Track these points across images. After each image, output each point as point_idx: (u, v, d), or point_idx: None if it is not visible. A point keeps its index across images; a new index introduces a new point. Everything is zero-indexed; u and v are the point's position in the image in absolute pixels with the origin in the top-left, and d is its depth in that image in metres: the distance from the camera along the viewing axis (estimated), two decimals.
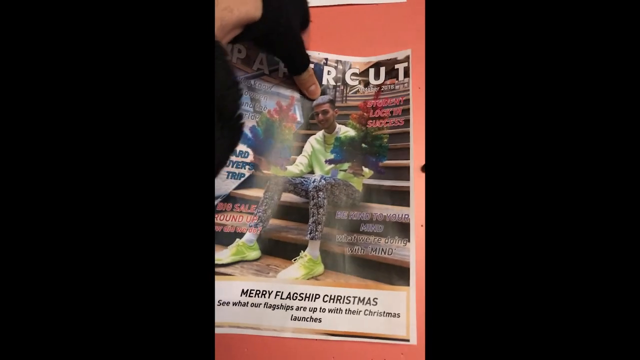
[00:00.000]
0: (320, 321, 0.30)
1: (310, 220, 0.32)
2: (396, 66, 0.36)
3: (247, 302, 0.31)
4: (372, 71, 0.36)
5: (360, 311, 0.30)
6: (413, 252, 0.31)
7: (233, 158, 0.33)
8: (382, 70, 0.36)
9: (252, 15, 0.27)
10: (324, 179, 0.33)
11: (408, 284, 0.30)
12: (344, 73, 0.36)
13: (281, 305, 0.31)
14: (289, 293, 0.31)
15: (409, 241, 0.31)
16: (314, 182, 0.33)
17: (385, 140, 0.34)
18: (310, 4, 0.37)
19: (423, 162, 0.33)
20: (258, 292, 0.31)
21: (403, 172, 0.32)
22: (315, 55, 0.36)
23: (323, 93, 0.36)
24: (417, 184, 0.32)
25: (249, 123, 0.34)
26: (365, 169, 0.33)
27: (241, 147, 0.34)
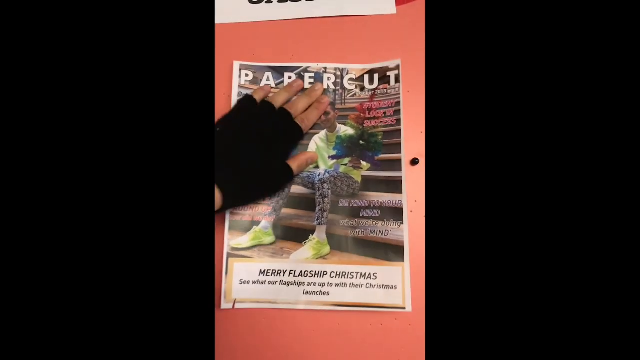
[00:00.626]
0: (329, 294, 0.35)
1: (317, 208, 0.37)
2: (388, 73, 0.40)
3: (265, 281, 0.36)
4: (366, 77, 0.41)
5: (362, 285, 0.35)
6: (406, 233, 0.36)
7: None
8: (376, 76, 0.41)
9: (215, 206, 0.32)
10: (328, 173, 0.38)
11: (403, 260, 0.35)
12: (342, 78, 0.41)
13: (294, 282, 0.36)
14: (301, 271, 0.36)
15: (402, 223, 0.36)
16: (319, 175, 0.38)
17: (380, 137, 0.39)
18: (309, 16, 0.42)
19: (412, 156, 0.38)
20: (274, 271, 0.36)
21: (396, 164, 0.37)
22: (314, 65, 0.41)
23: None
24: (408, 174, 0.37)
25: None
26: (364, 163, 0.38)
27: None
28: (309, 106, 0.40)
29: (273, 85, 0.41)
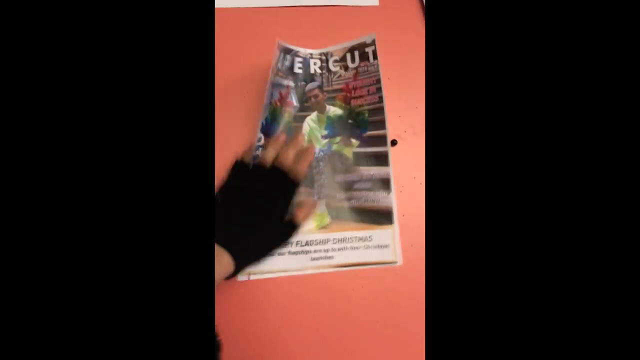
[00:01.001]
0: (333, 258, 0.41)
1: (316, 184, 0.42)
2: (366, 49, 0.43)
3: (275, 252, 0.40)
4: (348, 56, 0.44)
5: (360, 247, 0.41)
6: (393, 199, 0.42)
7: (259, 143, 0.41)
8: (357, 54, 0.44)
9: (228, 271, 0.35)
10: (322, 152, 0.42)
11: (392, 223, 0.41)
12: (327, 62, 0.44)
13: (301, 250, 0.41)
14: (306, 241, 0.41)
15: (390, 192, 0.42)
16: (314, 155, 0.42)
17: (366, 115, 0.43)
18: (297, 4, 0.44)
19: (392, 137, 0.42)
20: None
21: (382, 140, 0.42)
22: (302, 51, 0.43)
23: (312, 80, 0.43)
24: (392, 154, 0.42)
25: (267, 113, 0.41)
26: (353, 140, 0.42)
27: (260, 134, 0.41)
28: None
29: (280, 67, 0.42)
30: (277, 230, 0.38)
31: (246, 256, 0.36)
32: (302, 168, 0.39)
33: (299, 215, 0.39)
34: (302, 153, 0.40)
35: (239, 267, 0.36)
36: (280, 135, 0.41)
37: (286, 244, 0.40)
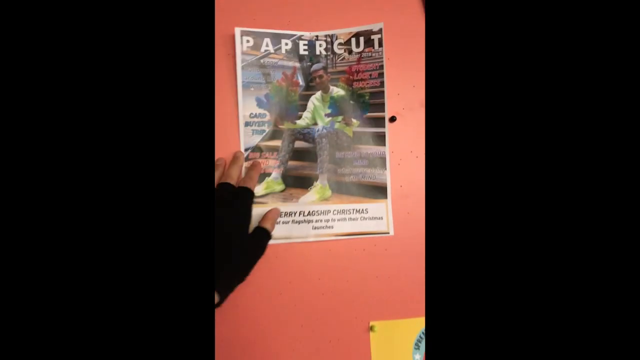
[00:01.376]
0: (332, 227, 0.44)
1: (318, 159, 0.45)
2: (372, 37, 0.46)
3: (280, 221, 0.43)
4: (353, 40, 0.47)
5: (357, 218, 0.45)
6: (388, 177, 0.46)
7: (255, 119, 0.43)
8: (362, 39, 0.47)
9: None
10: (325, 129, 0.45)
11: (386, 198, 0.45)
12: (332, 44, 0.46)
13: (304, 220, 0.44)
14: (309, 211, 0.44)
15: (386, 169, 0.45)
16: (317, 131, 0.45)
17: (367, 97, 0.46)
18: None
19: (392, 114, 0.46)
20: (286, 213, 0.44)
21: (381, 121, 0.46)
22: (307, 35, 0.45)
23: (317, 62, 0.46)
24: (390, 129, 0.46)
25: (263, 91, 0.44)
26: (354, 120, 0.46)
27: (259, 110, 0.44)
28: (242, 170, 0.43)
29: (272, 51, 0.44)
30: (248, 243, 0.40)
31: (227, 281, 0.37)
32: (253, 176, 0.42)
33: (267, 222, 0.41)
34: (250, 166, 0.43)
35: (224, 295, 0.37)
36: (220, 159, 0.43)
37: (261, 254, 0.41)
